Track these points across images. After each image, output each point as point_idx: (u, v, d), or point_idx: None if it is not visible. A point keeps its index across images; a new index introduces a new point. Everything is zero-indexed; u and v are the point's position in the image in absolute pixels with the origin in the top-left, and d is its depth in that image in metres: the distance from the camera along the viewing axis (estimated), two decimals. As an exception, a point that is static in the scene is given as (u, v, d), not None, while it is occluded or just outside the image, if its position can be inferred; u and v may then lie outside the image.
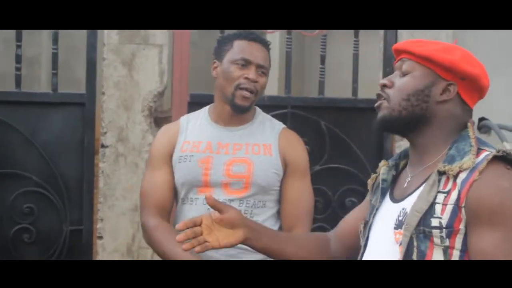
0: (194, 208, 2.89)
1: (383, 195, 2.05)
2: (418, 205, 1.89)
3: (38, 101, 3.66)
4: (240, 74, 2.85)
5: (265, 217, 2.90)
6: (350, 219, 2.22)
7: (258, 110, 3.01)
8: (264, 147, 2.92)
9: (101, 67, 3.73)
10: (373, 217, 2.04)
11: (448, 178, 1.88)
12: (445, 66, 1.96)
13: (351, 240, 2.14)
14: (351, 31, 3.90)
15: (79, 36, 4.32)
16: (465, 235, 1.85)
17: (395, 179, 2.07)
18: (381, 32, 3.99)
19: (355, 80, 3.90)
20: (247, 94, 2.85)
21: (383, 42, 3.93)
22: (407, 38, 3.74)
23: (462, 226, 1.85)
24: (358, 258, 2.05)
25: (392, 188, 2.05)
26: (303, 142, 3.03)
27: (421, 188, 1.93)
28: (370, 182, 2.17)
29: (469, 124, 1.98)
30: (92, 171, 3.66)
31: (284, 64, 3.93)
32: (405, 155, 2.10)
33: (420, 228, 1.87)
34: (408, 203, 1.94)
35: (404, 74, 2.00)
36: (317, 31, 3.83)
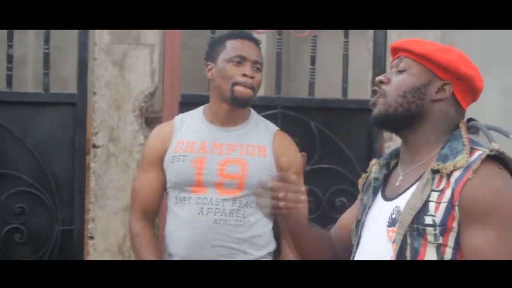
0: (187, 207, 2.90)
1: (375, 194, 2.07)
2: (412, 203, 1.91)
3: (29, 101, 3.65)
4: (237, 72, 2.88)
5: (257, 218, 2.91)
6: (344, 219, 2.23)
7: (253, 111, 3.03)
8: (259, 148, 2.94)
9: (92, 67, 3.74)
10: (365, 215, 2.06)
11: (441, 177, 1.91)
12: (442, 65, 1.99)
13: (345, 239, 2.16)
14: (339, 32, 3.92)
15: (65, 35, 4.31)
16: (458, 233, 1.87)
17: (386, 178, 2.09)
18: (370, 32, 4.01)
19: (345, 81, 3.92)
20: (246, 89, 2.88)
21: (373, 42, 3.95)
22: (396, 38, 3.74)
23: (455, 224, 1.87)
24: (351, 257, 2.07)
25: (383, 187, 2.07)
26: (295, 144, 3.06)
27: (414, 186, 1.95)
28: (361, 181, 2.19)
29: (461, 124, 2.01)
30: (83, 171, 3.66)
31: (270, 65, 3.95)
32: (396, 154, 2.12)
33: (414, 225, 1.89)
34: (401, 201, 1.96)
35: (401, 72, 2.02)
36: (307, 31, 3.84)
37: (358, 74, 4.18)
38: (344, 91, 3.93)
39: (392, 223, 1.95)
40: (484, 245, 1.84)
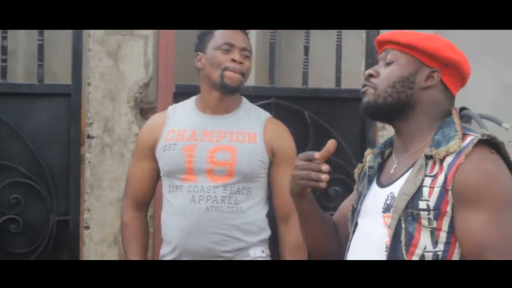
0: (179, 196, 2.93)
1: (370, 182, 2.10)
2: (406, 188, 1.94)
3: (23, 92, 3.65)
4: (226, 58, 2.91)
5: (250, 204, 2.93)
6: (342, 209, 2.25)
7: (244, 99, 3.05)
8: (249, 135, 2.96)
9: (86, 58, 3.74)
10: (361, 203, 2.09)
11: (434, 162, 1.94)
12: (429, 53, 2.02)
13: (344, 228, 2.19)
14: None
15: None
16: (452, 217, 1.90)
17: (381, 167, 2.12)
18: (363, 22, 4.03)
19: (338, 70, 3.94)
20: (235, 73, 2.90)
21: (366, 32, 3.97)
22: (388, 29, 3.78)
23: (449, 209, 1.90)
24: (347, 244, 2.09)
25: (378, 175, 2.10)
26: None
27: (408, 172, 1.98)
28: (356, 171, 2.22)
29: (453, 110, 2.04)
30: (78, 161, 3.67)
31: (260, 57, 3.95)
32: (390, 143, 2.15)
33: (408, 210, 1.92)
34: (396, 187, 1.98)
35: (388, 64, 2.05)
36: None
37: (351, 64, 4.19)
38: (338, 80, 3.94)
39: (387, 208, 1.98)
40: (477, 228, 1.86)
